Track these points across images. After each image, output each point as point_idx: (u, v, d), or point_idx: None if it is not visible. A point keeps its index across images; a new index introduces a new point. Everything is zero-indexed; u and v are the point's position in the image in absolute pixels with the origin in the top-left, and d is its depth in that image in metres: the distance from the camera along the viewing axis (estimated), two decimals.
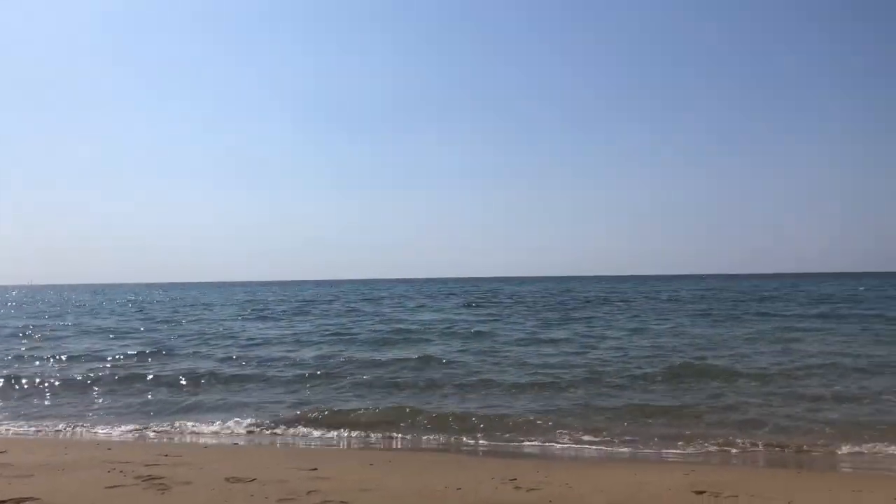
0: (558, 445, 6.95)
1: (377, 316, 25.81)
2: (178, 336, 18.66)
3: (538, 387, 9.53)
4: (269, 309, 33.14)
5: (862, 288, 47.51)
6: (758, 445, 6.62)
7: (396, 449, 7.13)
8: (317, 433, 7.64)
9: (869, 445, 6.45)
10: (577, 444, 6.95)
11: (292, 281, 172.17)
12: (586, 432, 7.20)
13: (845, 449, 6.41)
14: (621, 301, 34.45)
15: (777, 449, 6.56)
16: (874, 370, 10.18)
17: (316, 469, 5.55)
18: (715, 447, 6.65)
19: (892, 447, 6.37)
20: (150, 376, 11.24)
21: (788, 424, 7.27)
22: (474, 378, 10.27)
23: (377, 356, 13.04)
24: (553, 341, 15.44)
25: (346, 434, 7.55)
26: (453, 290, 62.38)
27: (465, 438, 7.21)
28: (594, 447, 6.88)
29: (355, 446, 7.28)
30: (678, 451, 6.60)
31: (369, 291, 62.52)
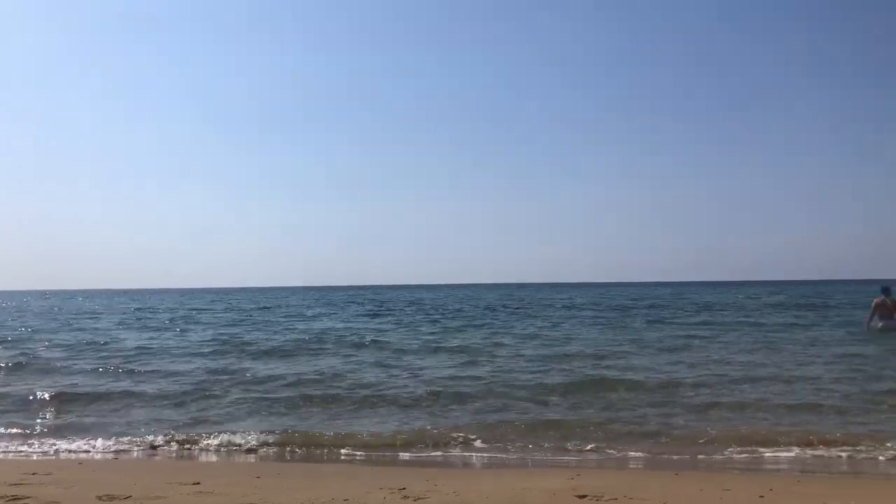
0: (451, 455, 6.99)
1: (271, 325, 25.16)
2: (53, 346, 17.54)
3: (432, 397, 9.49)
4: (156, 318, 31.75)
5: (740, 296, 50.63)
6: (640, 452, 6.85)
7: (286, 461, 6.96)
8: (200, 447, 7.34)
9: (744, 448, 6.80)
10: (469, 452, 7.02)
11: (187, 289, 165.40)
12: (480, 441, 7.26)
13: (727, 453, 6.73)
14: (518, 308, 35.27)
15: (660, 455, 6.81)
16: (752, 378, 10.73)
17: (199, 483, 5.34)
18: (601, 454, 6.86)
19: (765, 450, 6.75)
20: (18, 391, 10.46)
21: (672, 431, 7.56)
22: (368, 391, 10.09)
23: (265, 369, 12.64)
24: (451, 350, 15.49)
25: (233, 447, 7.29)
26: (355, 298, 61.85)
27: (356, 451, 7.11)
28: (486, 455, 6.97)
29: (241, 460, 7.05)
30: (567, 458, 6.77)
31: (266, 299, 61.02)
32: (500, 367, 12.53)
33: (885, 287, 17.48)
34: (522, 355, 14.22)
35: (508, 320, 26.92)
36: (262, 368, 12.78)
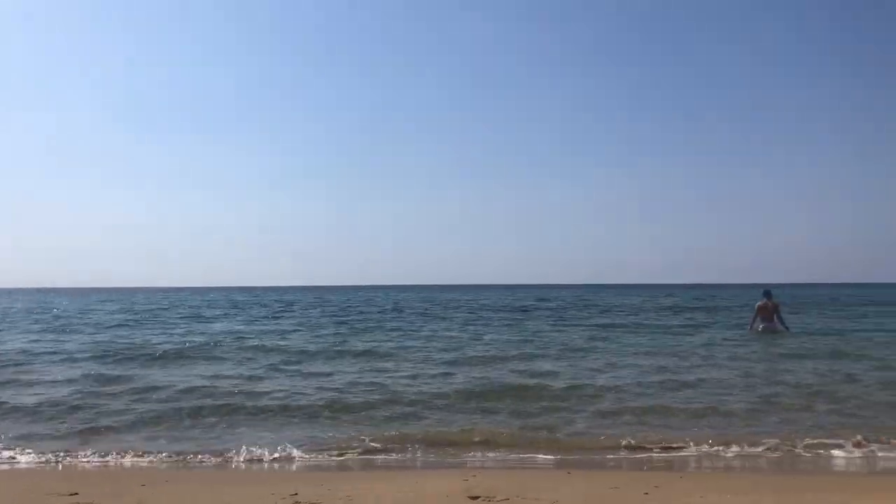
0: (347, 460, 6.88)
1: (164, 328, 23.98)
2: None
3: (330, 405, 9.18)
4: (33, 317, 29.95)
5: (641, 298, 52.73)
6: (538, 454, 6.94)
7: (173, 468, 6.66)
8: (80, 458, 6.91)
9: (636, 448, 7.01)
10: (367, 456, 6.93)
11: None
12: (378, 445, 7.19)
13: (621, 454, 6.91)
14: (427, 310, 35.38)
15: (555, 456, 6.92)
16: (646, 380, 11.11)
17: (77, 494, 5.06)
18: (498, 456, 6.92)
19: (658, 451, 6.98)
20: None
21: (569, 432, 7.73)
22: (266, 401, 9.54)
23: (153, 375, 11.95)
24: (355, 353, 15.18)
25: (119, 456, 6.90)
26: (263, 299, 60.14)
27: (248, 457, 6.87)
28: (381, 458, 6.90)
29: (128, 465, 6.71)
30: (464, 461, 6.80)
31: (164, 300, 58.67)
32: (403, 371, 12.40)
33: (766, 291, 18.61)
34: (430, 359, 14.15)
35: (415, 322, 26.97)
36: (150, 375, 12.08)
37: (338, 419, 8.48)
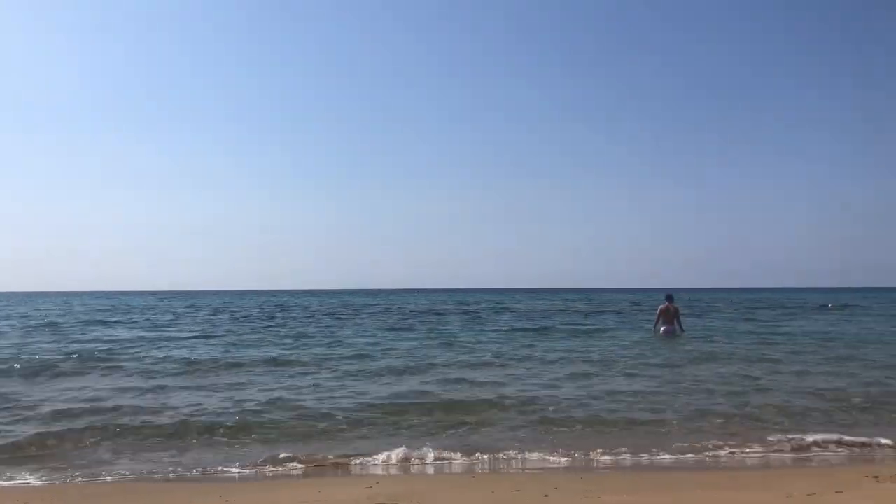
0: (248, 470, 6.65)
1: (57, 335, 22.49)
2: None
3: (210, 426, 8.23)
4: None
5: (558, 301, 53.88)
6: (445, 459, 6.89)
7: (65, 483, 6.23)
8: None
9: (546, 453, 7.06)
10: (270, 467, 6.73)
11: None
12: (284, 453, 7.00)
13: (528, 457, 6.96)
14: (330, 313, 34.96)
15: (467, 459, 6.93)
16: (554, 383, 11.27)
17: None
18: (404, 460, 6.86)
19: (557, 456, 7.00)
20: None
21: (477, 438, 7.72)
22: (129, 419, 8.60)
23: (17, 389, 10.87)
24: (252, 363, 14.11)
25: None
26: (199, 303, 57.09)
27: (139, 478, 6.51)
28: (282, 469, 6.69)
29: (6, 484, 6.26)
30: (371, 465, 6.73)
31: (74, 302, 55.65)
32: (304, 383, 11.59)
33: (668, 295, 19.41)
34: (336, 368, 13.48)
35: (320, 327, 26.33)
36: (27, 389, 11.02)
37: (235, 436, 7.86)
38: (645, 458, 7.00)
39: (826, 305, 45.06)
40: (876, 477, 5.79)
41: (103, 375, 12.62)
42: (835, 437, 7.54)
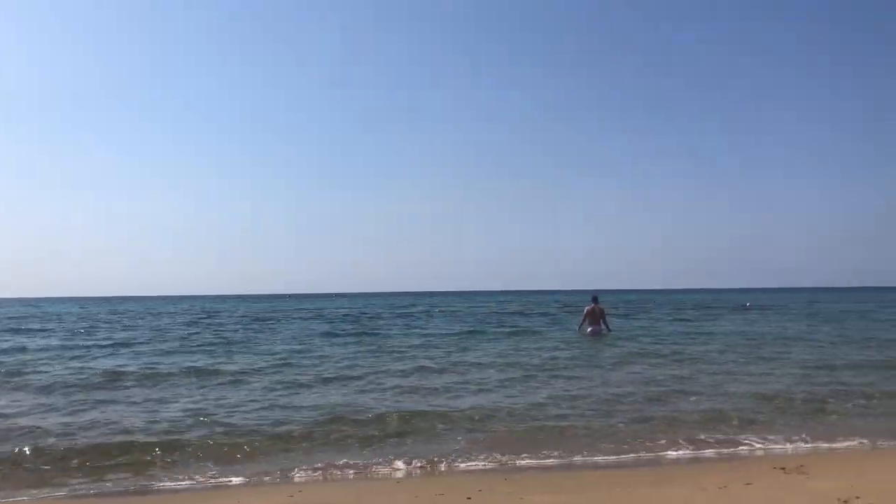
0: (163, 485, 6.40)
1: None
2: None
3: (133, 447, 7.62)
4: None
5: (493, 304, 54.26)
6: (375, 466, 6.81)
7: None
8: None
9: (477, 458, 7.04)
10: (190, 479, 6.49)
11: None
12: (211, 464, 6.81)
13: (456, 464, 6.91)
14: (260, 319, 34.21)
15: (392, 466, 6.83)
16: (487, 387, 11.32)
17: None
18: (327, 468, 6.73)
19: (484, 461, 6.99)
20: None
21: (405, 446, 7.59)
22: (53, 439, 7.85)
23: None
24: (175, 375, 13.25)
25: None
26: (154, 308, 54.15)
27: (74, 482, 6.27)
28: (204, 479, 6.48)
29: None
30: (294, 475, 6.59)
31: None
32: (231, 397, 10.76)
33: (594, 296, 19.89)
34: (258, 380, 12.57)
35: (247, 334, 25.34)
36: None
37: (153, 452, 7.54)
38: (570, 459, 7.09)
39: (745, 305, 47.17)
40: (783, 468, 6.07)
41: (12, 390, 11.69)
42: (749, 434, 7.90)
